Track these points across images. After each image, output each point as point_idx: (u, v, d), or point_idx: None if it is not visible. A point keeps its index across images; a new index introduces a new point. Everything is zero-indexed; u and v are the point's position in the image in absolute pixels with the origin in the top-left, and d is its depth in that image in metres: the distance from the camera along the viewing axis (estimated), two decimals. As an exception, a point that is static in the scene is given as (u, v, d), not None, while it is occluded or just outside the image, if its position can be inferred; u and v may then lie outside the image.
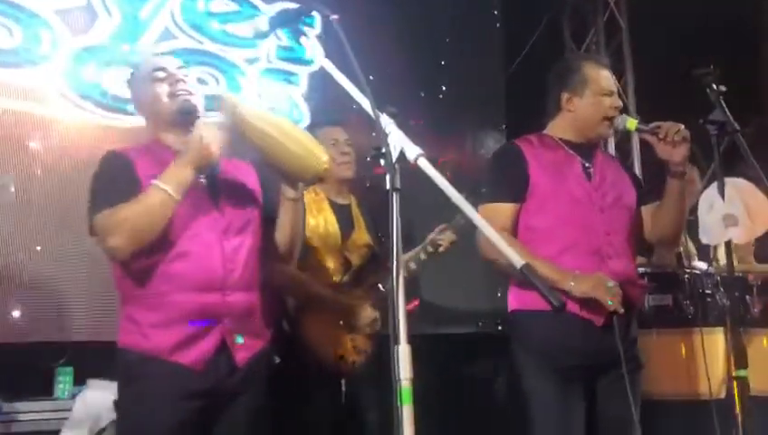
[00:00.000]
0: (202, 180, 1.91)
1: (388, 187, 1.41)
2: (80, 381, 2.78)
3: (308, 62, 3.49)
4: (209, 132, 1.82)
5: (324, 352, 2.43)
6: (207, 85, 3.15)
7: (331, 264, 2.52)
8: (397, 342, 1.36)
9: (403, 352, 1.36)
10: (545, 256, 2.11)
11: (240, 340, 1.89)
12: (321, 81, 3.49)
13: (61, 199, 2.84)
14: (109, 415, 2.71)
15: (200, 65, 3.18)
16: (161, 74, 1.96)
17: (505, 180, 2.23)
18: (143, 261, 1.84)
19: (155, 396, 1.81)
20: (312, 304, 2.45)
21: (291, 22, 1.71)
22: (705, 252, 3.53)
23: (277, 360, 2.25)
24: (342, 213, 2.60)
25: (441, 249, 2.73)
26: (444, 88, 4.14)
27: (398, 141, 1.41)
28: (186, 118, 1.92)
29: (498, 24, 4.57)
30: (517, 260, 1.23)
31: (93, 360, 2.80)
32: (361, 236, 2.63)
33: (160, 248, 1.83)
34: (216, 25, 3.26)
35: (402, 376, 1.35)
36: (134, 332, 1.86)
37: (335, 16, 1.55)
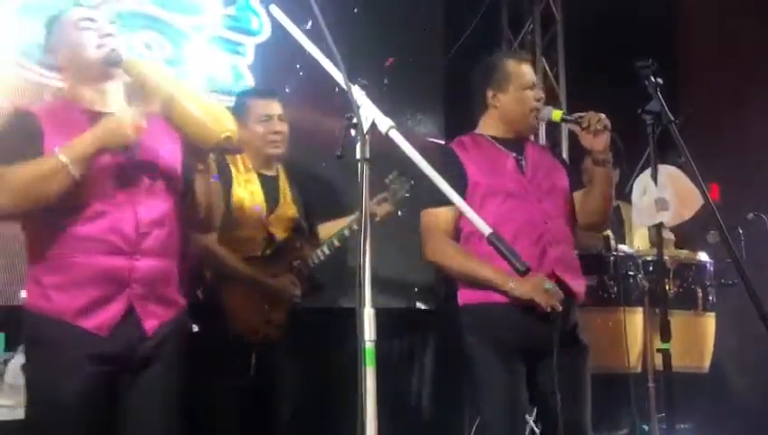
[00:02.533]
0: None
1: (358, 156, 1.47)
2: (13, 348, 2.71)
3: (255, 33, 3.48)
4: (129, 117, 1.79)
5: (238, 323, 2.45)
6: (153, 51, 3.10)
7: (254, 236, 2.54)
8: (362, 305, 1.43)
9: (367, 316, 1.43)
10: (490, 251, 2.20)
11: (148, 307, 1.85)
12: (267, 52, 3.49)
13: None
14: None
15: (146, 29, 3.12)
16: (89, 24, 1.90)
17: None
18: (51, 221, 1.79)
19: (59, 360, 1.78)
20: (228, 275, 2.47)
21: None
22: (619, 235, 3.75)
23: (195, 328, 2.23)
24: (268, 185, 2.61)
25: (377, 220, 2.76)
26: (384, 71, 4.18)
27: (370, 113, 1.47)
28: (110, 70, 1.87)
29: (438, 9, 4.63)
30: (484, 227, 1.31)
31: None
32: (287, 209, 2.64)
33: (70, 209, 1.79)
34: (162, -10, 3.21)
35: (366, 337, 1.42)
36: (38, 294, 1.82)
37: (309, -10, 1.58)
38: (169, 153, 1.96)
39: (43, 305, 1.80)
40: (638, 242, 3.87)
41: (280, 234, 2.60)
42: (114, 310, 1.80)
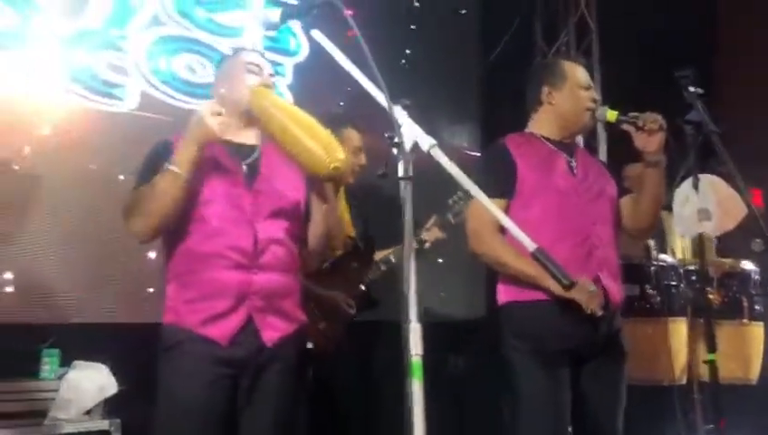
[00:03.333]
0: (243, 166, 1.99)
1: (400, 175, 1.50)
2: (66, 362, 2.80)
3: (293, 54, 3.55)
4: (206, 109, 1.88)
5: None
6: (196, 73, 3.19)
7: (309, 253, 2.59)
8: (408, 320, 1.45)
9: (414, 330, 1.45)
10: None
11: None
12: (305, 72, 3.56)
13: (47, 181, 2.85)
14: (96, 396, 2.75)
15: (188, 52, 3.21)
16: (255, 69, 2.05)
17: (494, 177, 2.31)
18: (179, 240, 1.93)
19: (186, 362, 1.90)
20: None
21: (302, 15, 1.76)
22: (660, 245, 3.72)
23: (309, 345, 2.27)
24: None
25: (426, 245, 2.79)
26: (420, 85, 4.23)
27: (412, 132, 1.49)
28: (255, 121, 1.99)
29: (474, 21, 4.67)
30: (529, 243, 1.33)
31: (79, 341, 2.83)
32: (345, 232, 2.69)
33: (195, 228, 1.92)
34: (202, 13, 3.30)
35: (413, 352, 1.44)
36: (170, 309, 1.95)
37: (350, 12, 1.62)
38: (290, 181, 2.05)
39: (174, 319, 1.93)
40: (679, 251, 3.83)
41: (337, 252, 2.64)
42: (234, 321, 1.91)
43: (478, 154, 4.32)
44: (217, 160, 1.97)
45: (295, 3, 3.48)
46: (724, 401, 3.16)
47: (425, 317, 1.45)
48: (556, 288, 2.11)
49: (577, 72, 2.39)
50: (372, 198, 2.93)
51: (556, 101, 2.37)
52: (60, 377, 2.74)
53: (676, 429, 3.25)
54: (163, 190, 1.86)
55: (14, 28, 2.77)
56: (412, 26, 4.21)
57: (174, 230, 1.95)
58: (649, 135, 2.22)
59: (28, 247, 2.81)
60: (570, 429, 2.29)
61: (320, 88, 3.50)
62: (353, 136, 2.70)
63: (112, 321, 2.93)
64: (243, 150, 2.04)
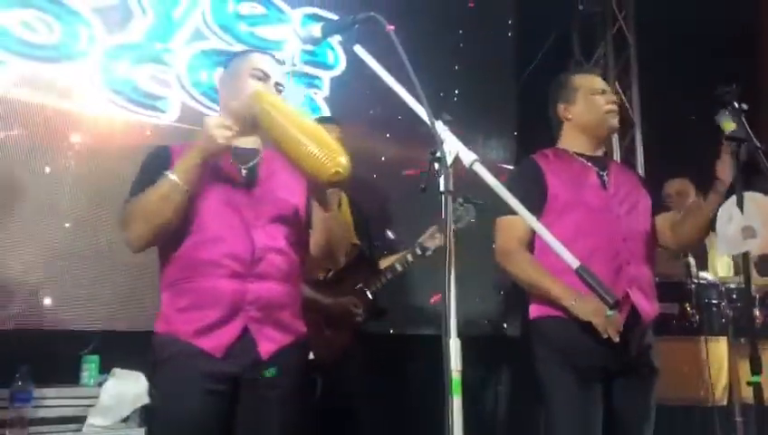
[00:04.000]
0: (243, 171, 1.93)
1: (441, 189, 1.49)
2: (105, 369, 2.84)
3: (331, 67, 3.58)
4: (214, 122, 1.83)
5: None
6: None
7: (315, 261, 2.58)
8: (447, 335, 1.44)
9: (453, 346, 1.44)
10: (562, 268, 2.19)
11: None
12: (342, 85, 3.58)
13: (91, 192, 2.90)
14: (133, 404, 2.78)
15: (229, 66, 3.25)
16: (260, 75, 1.96)
17: (523, 193, 2.28)
18: (174, 247, 1.86)
19: (179, 376, 1.83)
20: None
21: (343, 30, 1.77)
22: (701, 263, 3.65)
23: (311, 356, 2.21)
24: None
25: (429, 253, 2.76)
26: (456, 98, 4.23)
27: (454, 147, 1.49)
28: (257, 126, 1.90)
29: (510, 35, 4.67)
30: (572, 261, 1.32)
31: (119, 349, 2.87)
32: (349, 235, 2.67)
33: (190, 234, 1.86)
34: (244, 27, 3.35)
35: (453, 367, 1.43)
36: (164, 317, 1.88)
37: (391, 27, 1.63)
38: (290, 187, 1.99)
39: (167, 328, 1.87)
40: (720, 270, 3.75)
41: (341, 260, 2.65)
42: (229, 332, 1.84)
43: (511, 167, 4.31)
44: (216, 164, 1.90)
45: (334, 17, 3.52)
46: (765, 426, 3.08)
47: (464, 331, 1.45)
48: (573, 308, 2.11)
49: (587, 81, 2.40)
50: (374, 206, 2.94)
51: (573, 114, 2.38)
52: (99, 384, 2.78)
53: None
54: (161, 199, 1.80)
55: (61, 41, 2.83)
56: (452, 40, 4.22)
57: (171, 237, 1.87)
58: (727, 164, 2.18)
59: (69, 255, 2.86)
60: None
61: (356, 101, 3.53)
62: (334, 132, 2.69)
63: (151, 329, 2.97)
64: (243, 155, 1.97)
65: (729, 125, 2.19)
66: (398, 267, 2.76)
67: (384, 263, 2.86)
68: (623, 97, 4.98)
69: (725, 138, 2.15)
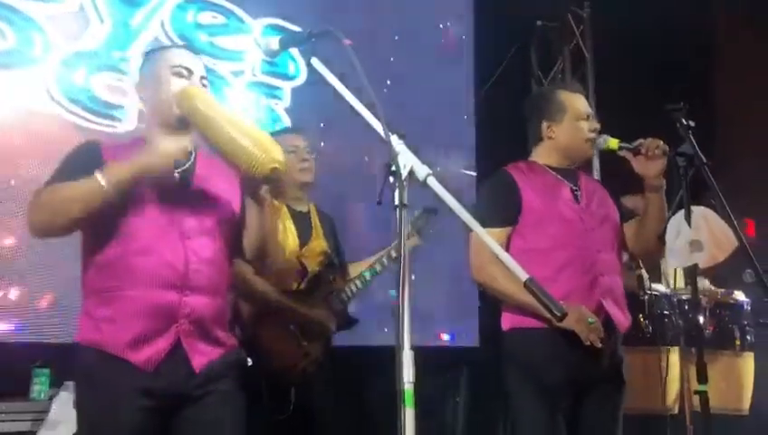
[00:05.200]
0: (176, 175, 1.85)
1: (396, 202, 1.51)
2: (57, 382, 2.79)
3: (292, 77, 3.59)
4: (168, 146, 1.78)
5: (275, 359, 2.46)
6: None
7: (288, 269, 2.56)
8: (401, 347, 1.46)
9: (407, 357, 1.45)
10: (543, 276, 2.17)
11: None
12: (303, 95, 3.59)
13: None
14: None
15: (188, 75, 3.24)
16: (183, 72, 1.89)
17: (498, 206, 2.33)
18: (101, 251, 1.79)
19: (108, 393, 1.75)
20: (266, 309, 2.47)
21: (300, 43, 1.78)
22: (655, 275, 3.73)
23: (249, 362, 2.20)
24: (301, 220, 2.65)
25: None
26: (417, 111, 4.26)
27: (408, 160, 1.51)
28: (188, 126, 1.85)
29: (469, 48, 4.73)
30: (521, 274, 1.34)
31: (71, 362, 2.81)
32: (319, 243, 2.68)
33: (121, 242, 1.78)
34: (204, 37, 3.33)
35: (406, 379, 1.44)
36: (90, 327, 1.79)
37: (348, 41, 1.65)
38: (224, 192, 1.96)
39: (94, 338, 1.78)
40: (673, 281, 3.84)
41: (313, 267, 2.64)
42: (161, 345, 1.77)
43: (474, 173, 4.37)
44: None
45: (295, 29, 3.53)
46: (716, 432, 3.15)
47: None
48: (554, 318, 2.11)
49: (576, 103, 2.41)
50: (338, 214, 2.96)
51: (556, 134, 2.39)
52: (50, 398, 2.73)
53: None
54: (81, 196, 1.72)
55: (14, 48, 2.78)
56: (410, 53, 4.26)
57: (96, 241, 1.80)
58: (650, 160, 2.25)
59: (22, 268, 2.80)
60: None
61: (318, 111, 3.54)
62: (295, 138, 2.70)
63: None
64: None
65: (612, 142, 2.31)
66: (368, 276, 2.77)
67: (354, 270, 2.87)
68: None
69: (675, 154, 2.21)
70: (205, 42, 3.33)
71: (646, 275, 3.46)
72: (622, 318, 2.29)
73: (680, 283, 3.82)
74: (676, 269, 3.30)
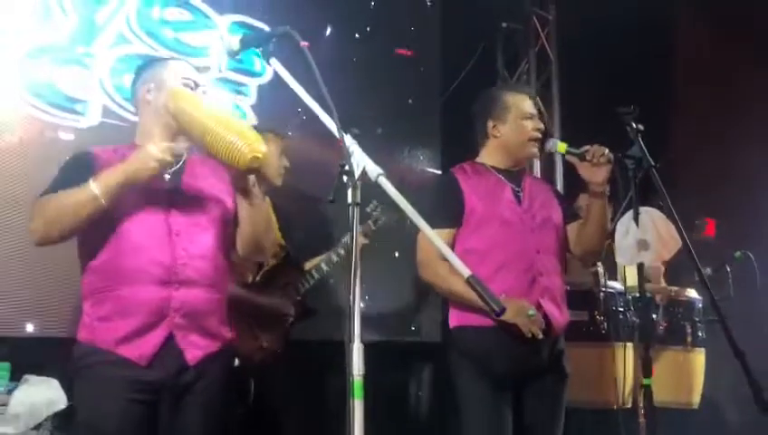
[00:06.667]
0: (166, 176, 1.93)
1: (349, 201, 1.56)
2: (17, 377, 2.78)
3: (258, 74, 3.61)
4: (157, 149, 1.84)
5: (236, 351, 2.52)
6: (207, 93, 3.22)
7: (244, 264, 2.60)
8: (351, 340, 1.51)
9: (357, 350, 1.51)
10: (482, 275, 2.24)
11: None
12: (269, 92, 3.61)
13: (6, 196, 2.85)
14: (46, 411, 2.74)
15: (153, 71, 3.24)
16: (191, 84, 2.00)
17: (443, 207, 2.42)
18: (95, 254, 1.87)
19: (102, 386, 1.83)
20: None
21: (261, 43, 1.82)
22: (612, 272, 3.83)
23: (236, 362, 2.24)
24: None
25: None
26: (384, 110, 4.30)
27: (361, 160, 1.56)
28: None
29: (434, 48, 4.78)
30: (464, 270, 1.40)
31: (31, 356, 2.82)
32: (275, 237, 2.74)
33: (111, 242, 1.86)
34: (169, 33, 3.34)
35: (355, 372, 1.49)
36: (85, 326, 1.89)
37: (305, 43, 1.69)
38: (218, 190, 2.02)
39: (89, 337, 1.87)
40: (629, 279, 3.94)
41: (269, 260, 2.68)
42: (154, 339, 1.84)
43: (439, 172, 4.43)
44: None
45: (261, 26, 3.56)
46: (668, 425, 3.26)
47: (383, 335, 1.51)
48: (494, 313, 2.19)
49: (520, 103, 2.49)
50: (296, 208, 3.01)
51: (501, 133, 2.48)
52: (9, 391, 2.72)
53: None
54: (75, 205, 1.81)
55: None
56: (376, 54, 4.30)
57: (90, 244, 1.89)
58: (596, 167, 2.33)
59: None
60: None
61: (283, 109, 3.56)
62: (275, 140, 2.77)
63: (65, 335, 2.92)
64: None
65: (561, 146, 2.41)
66: (324, 267, 2.82)
67: (309, 264, 2.92)
68: (544, 111, 5.16)
69: (623, 156, 2.29)
70: (170, 38, 3.34)
71: (602, 272, 3.55)
72: (559, 317, 2.38)
73: (632, 281, 3.93)
74: (624, 267, 3.39)
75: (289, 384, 2.72)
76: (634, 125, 2.27)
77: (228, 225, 2.02)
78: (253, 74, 3.60)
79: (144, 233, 1.89)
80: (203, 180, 2.01)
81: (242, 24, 3.54)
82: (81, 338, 1.90)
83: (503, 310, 1.45)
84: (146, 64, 2.12)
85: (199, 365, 1.90)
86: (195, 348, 1.90)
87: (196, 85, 2.01)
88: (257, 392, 2.55)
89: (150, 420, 1.86)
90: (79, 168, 1.90)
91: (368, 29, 4.21)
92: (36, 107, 2.93)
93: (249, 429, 2.54)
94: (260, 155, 1.81)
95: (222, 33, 3.47)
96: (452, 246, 2.36)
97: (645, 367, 2.18)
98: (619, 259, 2.35)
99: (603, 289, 3.43)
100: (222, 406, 1.98)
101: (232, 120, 1.87)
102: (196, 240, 1.93)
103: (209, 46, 3.43)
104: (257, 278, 2.65)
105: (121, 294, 1.85)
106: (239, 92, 3.55)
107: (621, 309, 3.42)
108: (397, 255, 3.72)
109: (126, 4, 3.17)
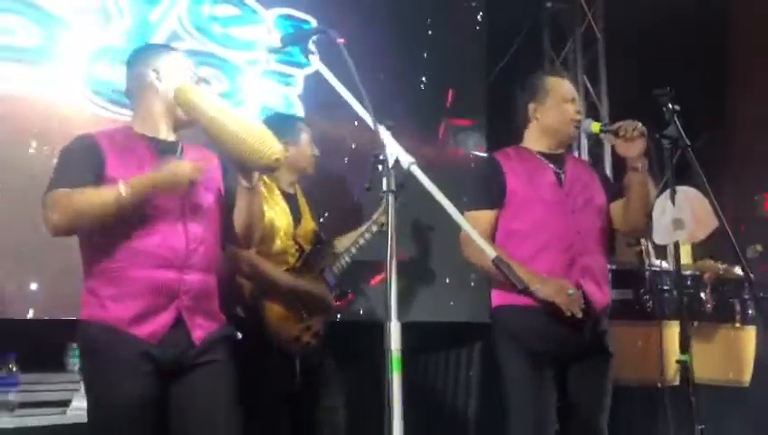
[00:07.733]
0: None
1: (384, 189, 1.66)
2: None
3: (304, 65, 3.72)
4: (187, 166, 1.99)
5: (281, 335, 2.63)
6: (211, 85, 3.37)
7: (286, 250, 2.73)
8: (389, 318, 1.61)
9: (394, 327, 1.61)
10: (524, 256, 2.37)
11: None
12: (316, 82, 3.71)
13: None
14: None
15: (204, 66, 3.38)
16: (197, 78, 2.17)
17: (485, 190, 2.51)
18: (107, 237, 1.98)
19: (115, 363, 1.93)
20: (269, 287, 2.64)
21: (300, 41, 1.93)
22: (661, 251, 3.83)
23: (239, 335, 2.38)
24: (291, 202, 2.84)
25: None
26: (424, 87, 4.36)
27: (394, 150, 1.66)
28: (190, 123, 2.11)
29: (479, 29, 4.79)
30: (491, 252, 1.49)
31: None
32: (309, 222, 2.87)
33: (125, 224, 1.96)
34: (218, 29, 3.47)
35: (393, 347, 1.60)
36: (95, 304, 1.98)
37: (342, 40, 1.79)
38: (210, 178, 2.15)
39: (100, 315, 1.96)
40: (684, 257, 3.93)
41: (306, 245, 2.81)
42: (164, 319, 1.97)
43: (485, 154, 4.48)
44: (145, 158, 2.04)
45: (306, 18, 3.66)
46: (719, 403, 3.27)
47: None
48: (537, 291, 2.28)
49: (560, 87, 2.56)
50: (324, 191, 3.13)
51: (542, 115, 2.54)
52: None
53: (668, 429, 3.37)
54: (103, 205, 1.91)
55: (40, 44, 2.95)
56: (420, 37, 4.36)
57: (100, 225, 1.97)
58: (630, 142, 2.37)
59: (55, 245, 2.95)
60: (557, 427, 2.45)
61: (330, 99, 3.66)
62: (305, 129, 2.88)
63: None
64: (167, 148, 2.11)
65: (595, 126, 2.48)
66: (354, 250, 2.94)
67: (340, 244, 3.05)
68: (591, 90, 5.14)
69: (660, 136, 2.33)
70: (220, 33, 3.47)
71: (649, 250, 3.56)
72: (600, 296, 2.43)
73: (685, 259, 3.92)
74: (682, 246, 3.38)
75: (331, 362, 2.85)
76: (670, 106, 2.30)
77: (222, 210, 2.16)
78: (299, 65, 3.71)
79: (157, 216, 2.01)
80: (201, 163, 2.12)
81: (287, 17, 3.65)
82: (91, 317, 1.99)
83: (526, 288, 1.53)
84: (145, 49, 2.25)
85: (204, 344, 2.04)
86: (200, 329, 2.04)
87: (200, 79, 2.18)
88: (302, 371, 2.67)
89: (158, 394, 1.99)
90: (89, 155, 2.01)
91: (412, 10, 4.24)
92: (98, 105, 3.10)
93: (296, 406, 2.67)
94: (279, 156, 1.98)
95: (269, 26, 3.59)
96: (494, 227, 2.45)
97: (681, 343, 2.22)
98: (656, 238, 2.39)
99: (649, 268, 3.45)
100: (227, 384, 2.10)
101: (247, 120, 2.02)
102: (200, 226, 2.07)
103: (257, 40, 3.56)
104: (297, 263, 2.78)
105: (135, 275, 1.96)
106: (287, 83, 3.67)
107: (667, 287, 3.43)
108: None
109: (178, 2, 3.32)
